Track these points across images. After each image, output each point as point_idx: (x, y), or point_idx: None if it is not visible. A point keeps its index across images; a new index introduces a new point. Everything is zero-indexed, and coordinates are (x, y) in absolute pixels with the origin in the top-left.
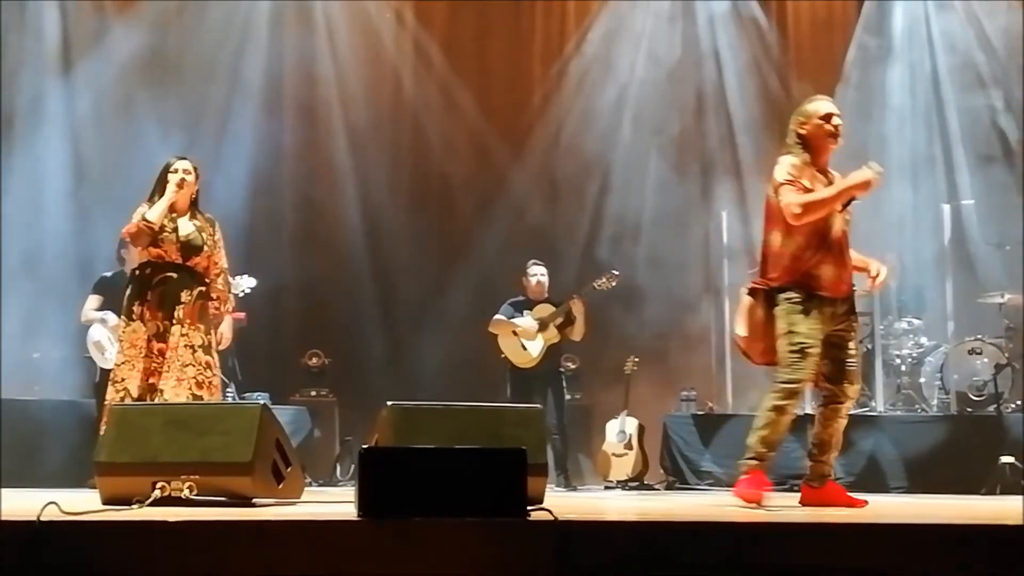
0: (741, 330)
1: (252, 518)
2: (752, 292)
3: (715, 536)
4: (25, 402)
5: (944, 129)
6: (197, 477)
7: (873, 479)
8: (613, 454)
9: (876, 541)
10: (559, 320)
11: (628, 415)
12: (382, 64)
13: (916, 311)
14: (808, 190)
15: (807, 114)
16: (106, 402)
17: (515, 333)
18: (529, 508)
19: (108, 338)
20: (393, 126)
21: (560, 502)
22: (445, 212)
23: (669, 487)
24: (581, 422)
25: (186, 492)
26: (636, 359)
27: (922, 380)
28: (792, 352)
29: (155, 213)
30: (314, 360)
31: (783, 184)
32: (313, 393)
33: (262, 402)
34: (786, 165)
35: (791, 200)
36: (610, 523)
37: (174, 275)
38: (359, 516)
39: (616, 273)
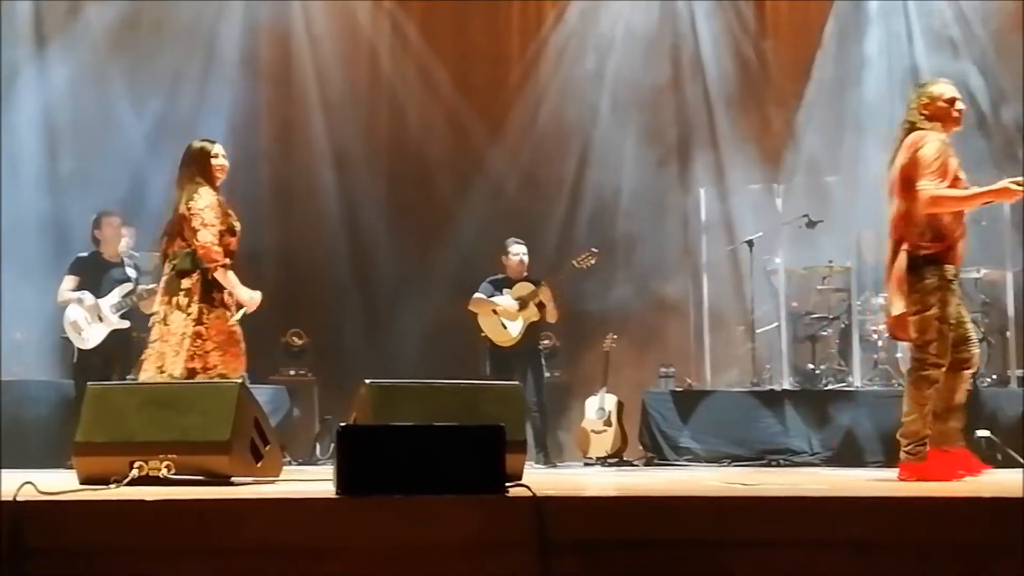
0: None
1: (230, 496)
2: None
3: (695, 511)
4: (6, 383)
5: None
6: (175, 456)
7: (851, 454)
8: (592, 431)
9: (855, 514)
10: (535, 300)
11: (607, 392)
12: (358, 41)
13: None
14: (953, 171)
15: (932, 95)
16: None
17: (495, 312)
18: (508, 484)
19: (85, 318)
20: (370, 103)
21: (539, 479)
22: (423, 190)
23: (648, 463)
24: (560, 399)
25: (164, 471)
26: (615, 336)
27: (898, 355)
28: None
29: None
30: (294, 339)
31: (927, 167)
32: (292, 372)
33: (240, 381)
34: (936, 144)
35: (927, 190)
36: (589, 499)
37: (231, 261)
38: (338, 494)
39: (595, 251)
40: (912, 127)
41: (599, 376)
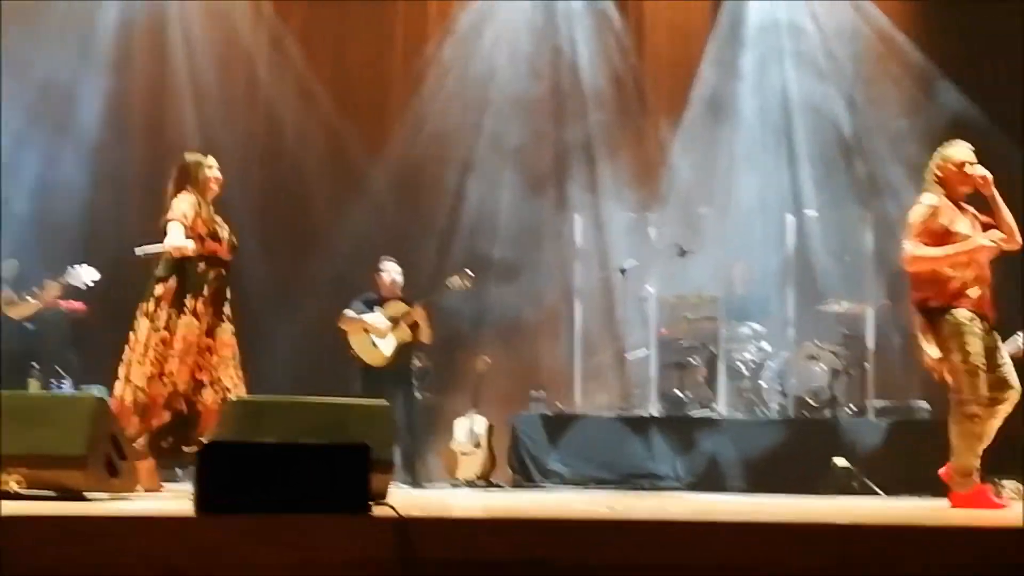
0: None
1: (84, 513)
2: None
3: (560, 533)
4: None
5: (791, 141)
6: (25, 470)
7: (713, 480)
8: (461, 452)
9: (717, 537)
10: (410, 320)
11: (477, 414)
12: (236, 53)
13: (759, 317)
14: (939, 231)
15: (944, 157)
16: (148, 395)
17: (365, 330)
18: (372, 504)
19: None
20: (246, 112)
21: (405, 499)
22: (299, 204)
23: (516, 486)
24: (431, 421)
25: (13, 485)
26: (487, 359)
27: (763, 384)
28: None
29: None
30: None
31: (911, 230)
32: None
33: (96, 394)
34: (923, 208)
35: (907, 250)
36: (454, 520)
37: (224, 272)
38: (197, 512)
39: (470, 273)
40: (923, 190)
41: (470, 398)
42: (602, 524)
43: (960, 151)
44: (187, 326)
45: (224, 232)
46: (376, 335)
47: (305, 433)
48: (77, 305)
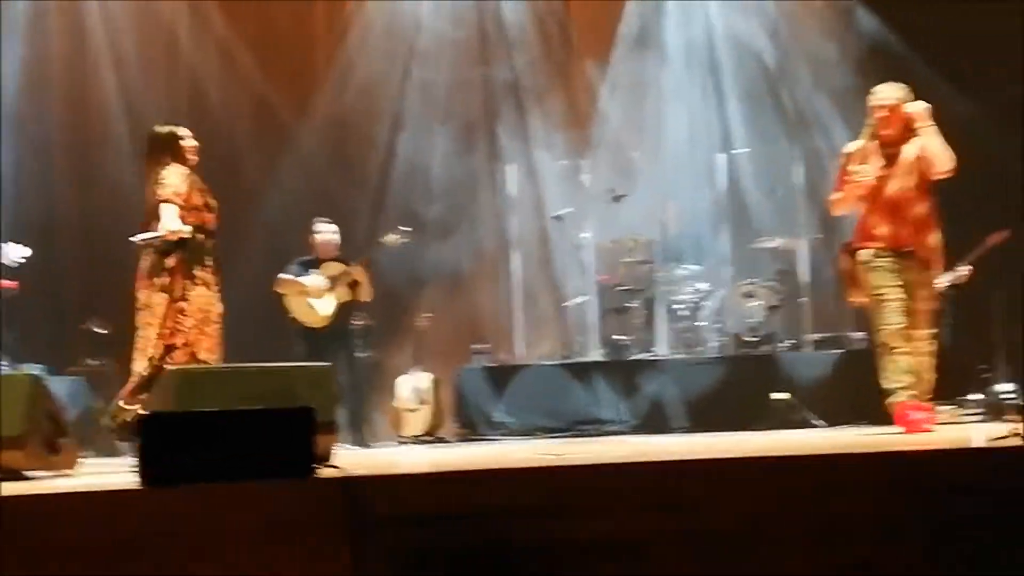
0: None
1: (26, 492)
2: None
3: (508, 483)
4: None
5: (718, 78)
6: None
7: (658, 421)
8: (406, 410)
9: (660, 477)
10: (349, 279)
11: (421, 370)
12: (155, 18)
13: (695, 258)
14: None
15: (868, 102)
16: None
17: (303, 293)
18: (318, 467)
19: None
20: (168, 79)
21: (351, 459)
22: (229, 170)
23: (463, 439)
24: (375, 379)
25: None
26: (428, 314)
27: (701, 323)
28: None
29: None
30: (92, 328)
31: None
32: (95, 362)
33: (31, 372)
34: (842, 155)
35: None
36: (401, 476)
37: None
38: (140, 485)
39: (405, 230)
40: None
41: (412, 355)
42: (549, 471)
43: (876, 93)
44: (201, 296)
45: (213, 201)
46: (313, 296)
47: (248, 400)
48: (8, 284)
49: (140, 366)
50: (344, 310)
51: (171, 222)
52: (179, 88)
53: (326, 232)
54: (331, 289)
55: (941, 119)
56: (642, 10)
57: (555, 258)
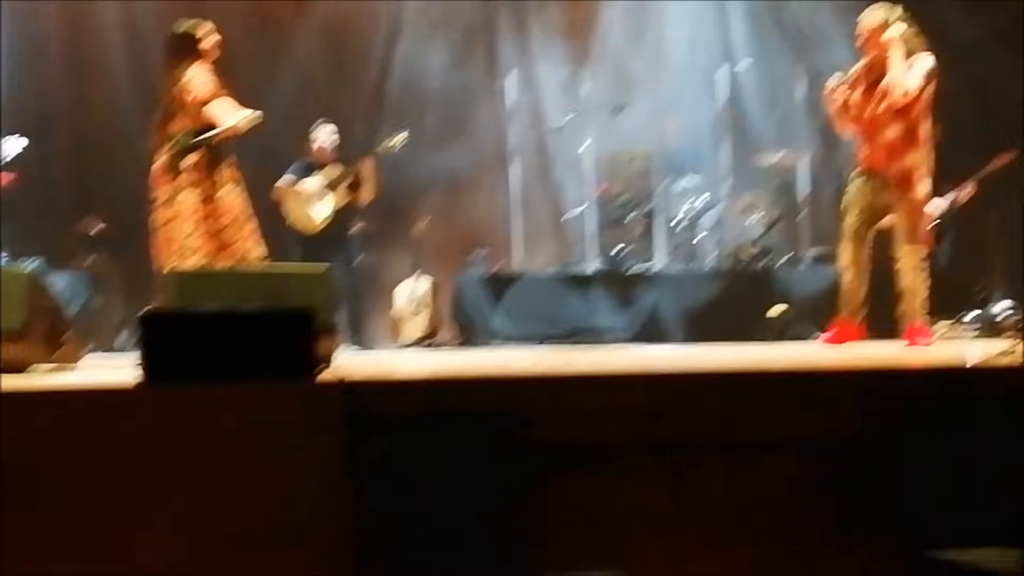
0: None
1: (25, 387)
2: None
3: (505, 389)
4: None
5: None
6: None
7: (655, 332)
8: (406, 314)
9: (654, 386)
10: (348, 181)
11: (420, 275)
12: None
13: (694, 171)
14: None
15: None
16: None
17: (300, 198)
18: (317, 370)
19: None
20: None
21: (351, 363)
22: (226, 72)
23: (461, 345)
24: (374, 284)
25: None
26: (428, 218)
27: (700, 236)
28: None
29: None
30: (90, 225)
31: None
32: (93, 258)
33: (30, 267)
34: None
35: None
36: (400, 382)
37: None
38: (140, 383)
39: (405, 132)
40: None
41: (412, 260)
42: (545, 379)
43: (861, 16)
44: (230, 194)
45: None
46: (312, 201)
47: (246, 302)
48: (7, 176)
49: (173, 259)
50: (342, 216)
51: (231, 117)
52: None
53: (325, 135)
54: (329, 193)
55: (941, 39)
56: None
57: (554, 168)
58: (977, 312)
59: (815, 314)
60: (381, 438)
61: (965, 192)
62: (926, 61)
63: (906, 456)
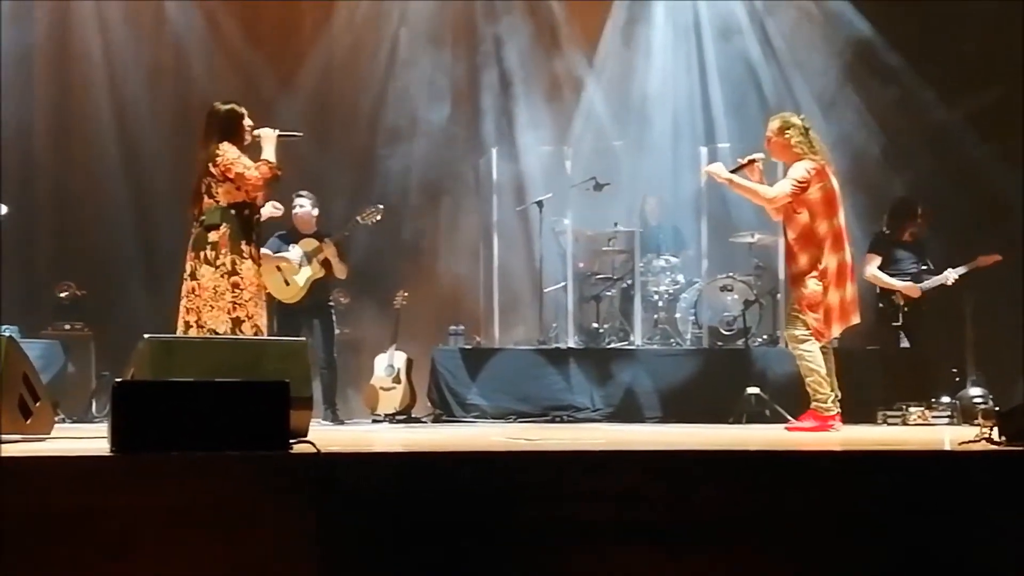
0: None
1: None
2: None
3: (478, 464)
4: None
5: (703, 75)
6: None
7: (630, 410)
8: (381, 388)
9: (625, 466)
10: (320, 257)
11: (397, 349)
12: None
13: (674, 249)
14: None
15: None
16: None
17: (278, 268)
18: (292, 441)
19: None
20: (153, 50)
21: (326, 435)
22: None
23: (436, 420)
24: (351, 356)
25: None
26: (406, 293)
27: (677, 315)
28: None
29: (273, 156)
30: (65, 292)
31: None
32: (67, 327)
33: (7, 334)
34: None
35: None
36: (374, 454)
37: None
38: (112, 451)
39: (380, 207)
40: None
41: (389, 333)
42: (520, 455)
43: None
44: (250, 270)
45: None
46: (288, 272)
47: (222, 372)
48: None
49: (247, 331)
50: (321, 285)
51: (247, 172)
52: (164, 57)
53: (304, 205)
54: (305, 265)
55: (921, 124)
56: (631, 5)
57: (534, 244)
58: (947, 400)
59: (790, 395)
60: (355, 510)
61: (950, 279)
62: (802, 166)
63: (880, 535)
